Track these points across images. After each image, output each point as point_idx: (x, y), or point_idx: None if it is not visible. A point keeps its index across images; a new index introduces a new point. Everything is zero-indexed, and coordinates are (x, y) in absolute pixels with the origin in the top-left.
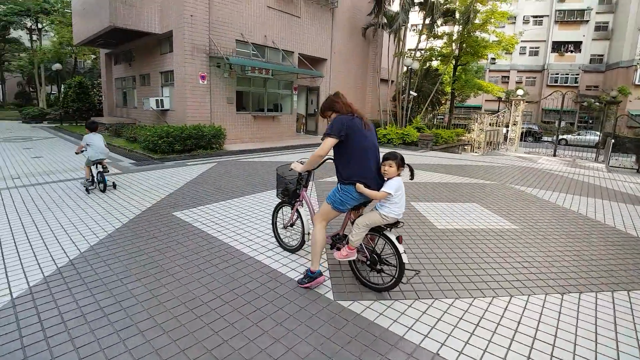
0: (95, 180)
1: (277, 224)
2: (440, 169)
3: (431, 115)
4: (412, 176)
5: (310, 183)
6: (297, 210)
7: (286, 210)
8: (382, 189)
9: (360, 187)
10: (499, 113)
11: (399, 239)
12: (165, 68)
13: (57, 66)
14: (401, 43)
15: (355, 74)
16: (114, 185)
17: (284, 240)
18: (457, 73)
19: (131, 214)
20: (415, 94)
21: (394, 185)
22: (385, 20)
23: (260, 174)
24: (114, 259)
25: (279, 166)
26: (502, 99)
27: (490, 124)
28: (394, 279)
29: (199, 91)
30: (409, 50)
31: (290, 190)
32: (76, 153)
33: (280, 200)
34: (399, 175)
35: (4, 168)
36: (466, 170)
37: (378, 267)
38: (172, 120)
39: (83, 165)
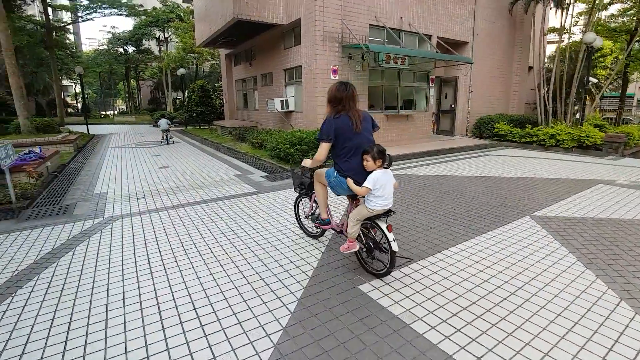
0: (166, 139)
1: (300, 214)
2: None
3: (577, 107)
4: (388, 165)
5: None
6: (315, 201)
7: (305, 201)
8: (363, 184)
9: (349, 182)
10: None
11: (388, 227)
12: (289, 64)
13: (181, 71)
14: (565, 15)
15: (501, 60)
16: (173, 142)
17: (307, 229)
18: (631, 52)
19: (296, 289)
20: (595, 80)
21: (372, 179)
22: None
23: (446, 197)
24: None
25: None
26: None
27: None
28: (386, 267)
29: None
30: (567, 27)
31: (306, 184)
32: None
33: (298, 194)
34: (379, 167)
35: (130, 182)
36: None
37: (373, 254)
38: (297, 122)
39: (218, 177)
